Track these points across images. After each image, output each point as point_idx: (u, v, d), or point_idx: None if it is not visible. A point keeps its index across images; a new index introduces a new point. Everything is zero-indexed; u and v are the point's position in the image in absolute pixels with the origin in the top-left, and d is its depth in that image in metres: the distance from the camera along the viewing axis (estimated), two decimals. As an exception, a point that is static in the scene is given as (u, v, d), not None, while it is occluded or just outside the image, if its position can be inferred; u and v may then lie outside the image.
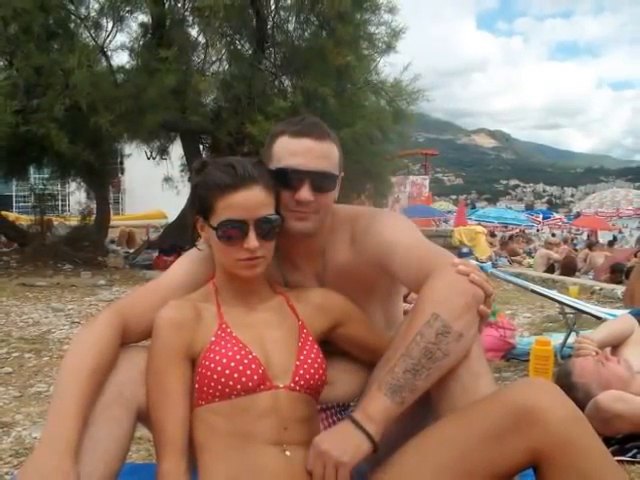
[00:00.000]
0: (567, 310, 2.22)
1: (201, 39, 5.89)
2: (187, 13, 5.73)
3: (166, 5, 5.66)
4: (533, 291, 2.29)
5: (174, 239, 5.81)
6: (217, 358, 0.79)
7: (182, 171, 7.07)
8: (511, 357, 2.25)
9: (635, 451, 1.27)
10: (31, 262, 5.18)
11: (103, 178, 6.70)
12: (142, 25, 5.88)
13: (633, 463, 1.24)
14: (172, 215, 7.57)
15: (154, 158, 7.00)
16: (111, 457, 0.76)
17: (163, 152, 7.05)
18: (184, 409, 0.78)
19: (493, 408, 0.71)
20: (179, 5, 5.77)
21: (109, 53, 5.57)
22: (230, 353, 0.79)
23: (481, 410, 0.72)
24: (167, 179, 7.03)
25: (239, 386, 0.77)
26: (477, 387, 0.77)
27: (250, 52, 5.84)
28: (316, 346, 0.86)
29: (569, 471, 0.68)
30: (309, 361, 0.82)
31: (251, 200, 0.81)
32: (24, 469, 0.71)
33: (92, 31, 5.47)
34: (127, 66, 5.77)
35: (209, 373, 0.78)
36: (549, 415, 0.68)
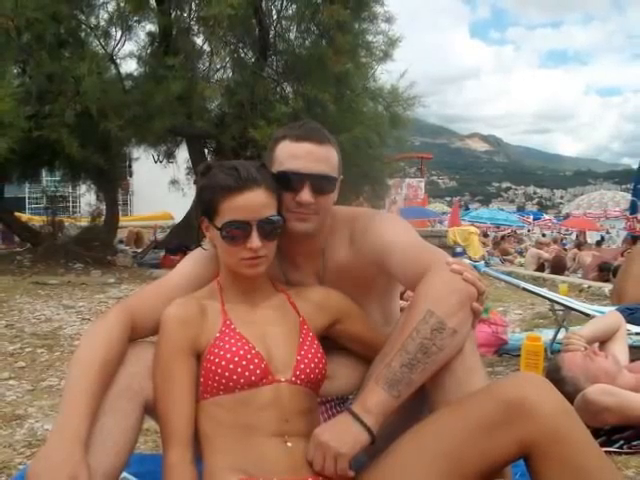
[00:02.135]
0: (557, 307, 2.23)
1: (206, 47, 5.95)
2: (192, 23, 5.81)
3: (172, 15, 5.74)
4: (524, 289, 2.30)
5: (180, 239, 5.88)
6: (221, 353, 0.81)
7: (188, 174, 7.13)
8: (503, 352, 2.27)
9: (621, 442, 1.28)
10: (43, 261, 5.23)
11: (112, 180, 6.76)
12: (149, 34, 5.98)
13: (619, 454, 1.26)
14: (178, 216, 7.66)
15: (161, 161, 7.09)
16: (120, 448, 0.78)
17: (170, 156, 7.12)
18: (189, 402, 0.81)
19: (485, 401, 0.73)
20: (185, 15, 5.85)
21: (118, 61, 5.67)
22: (234, 348, 0.81)
23: (474, 403, 0.74)
24: (173, 182, 7.09)
25: (242, 380, 0.80)
26: (470, 381, 0.78)
27: (253, 60, 5.91)
28: (316, 342, 0.88)
29: (558, 461, 0.70)
30: (309, 356, 0.85)
31: (254, 202, 0.83)
32: (36, 459, 0.74)
33: (102, 40, 5.58)
34: (135, 73, 5.88)
35: (214, 368, 0.80)
36: (539, 408, 0.70)
